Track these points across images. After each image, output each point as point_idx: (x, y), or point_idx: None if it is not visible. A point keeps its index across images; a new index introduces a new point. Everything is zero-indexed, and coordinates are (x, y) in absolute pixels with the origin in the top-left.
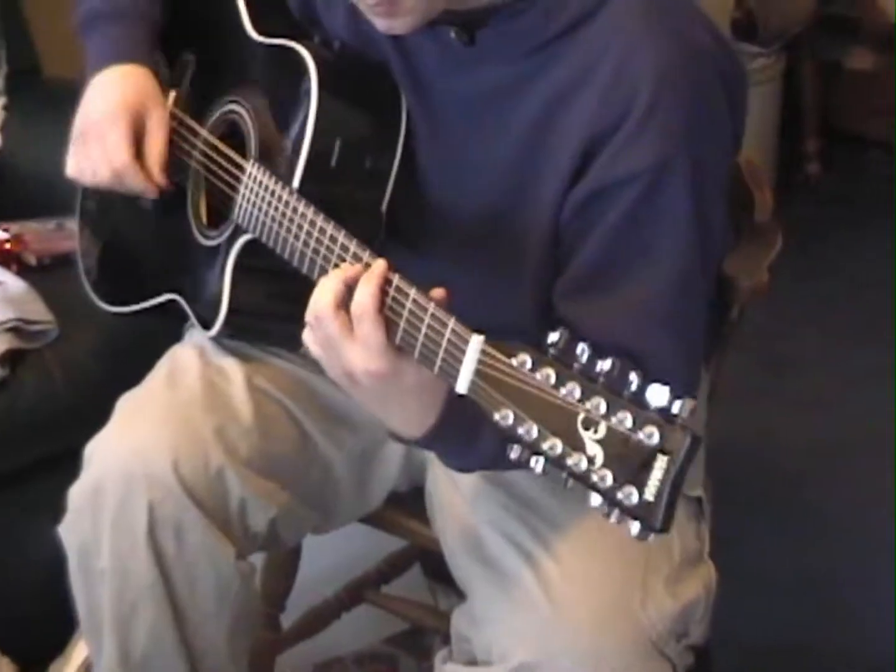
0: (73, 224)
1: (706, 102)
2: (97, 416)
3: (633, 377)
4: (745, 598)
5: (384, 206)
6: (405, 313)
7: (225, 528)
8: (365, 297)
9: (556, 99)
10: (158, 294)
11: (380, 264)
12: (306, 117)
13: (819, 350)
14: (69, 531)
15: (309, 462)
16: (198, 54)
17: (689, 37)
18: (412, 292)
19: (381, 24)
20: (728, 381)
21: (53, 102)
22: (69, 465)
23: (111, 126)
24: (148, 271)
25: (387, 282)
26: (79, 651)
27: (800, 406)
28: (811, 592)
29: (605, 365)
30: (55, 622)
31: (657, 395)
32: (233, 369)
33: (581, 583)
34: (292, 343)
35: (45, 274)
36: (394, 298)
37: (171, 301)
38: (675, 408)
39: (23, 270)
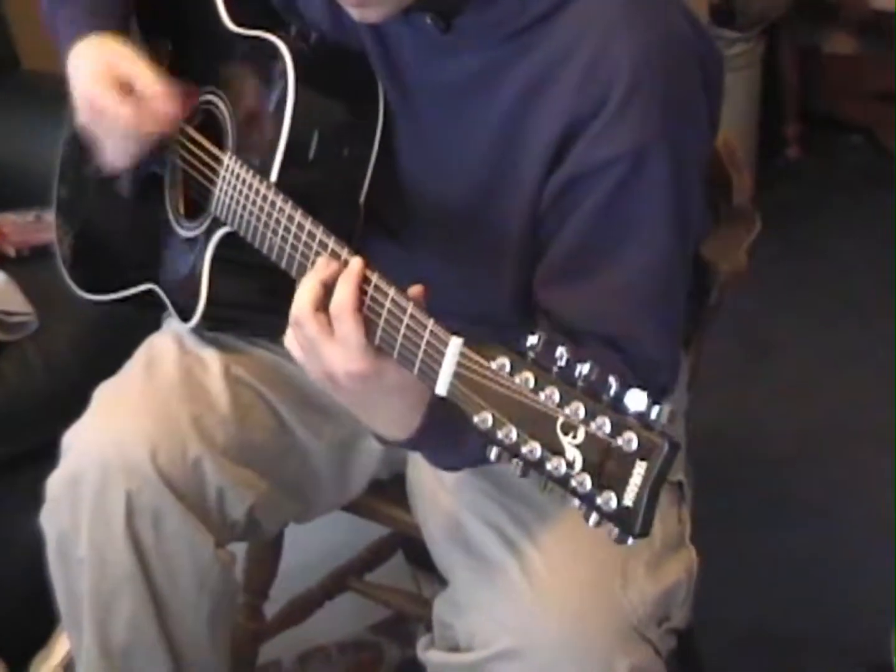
0: (51, 216)
1: (683, 88)
2: (77, 408)
3: (612, 381)
4: (728, 583)
5: (362, 198)
6: (384, 313)
7: (203, 517)
8: (343, 296)
9: (533, 86)
10: (136, 284)
11: (356, 262)
12: (283, 110)
13: (800, 333)
14: (48, 520)
15: (286, 450)
16: (175, 41)
17: (666, 23)
18: (391, 291)
19: (355, 12)
20: (709, 365)
21: (31, 95)
22: (50, 457)
23: (98, 95)
24: (126, 260)
25: (365, 280)
26: (61, 644)
27: (782, 389)
28: (795, 577)
29: (583, 369)
30: (38, 615)
31: (635, 400)
32: (211, 358)
33: (563, 568)
34: (272, 333)
35: (23, 265)
36: (372, 298)
37: (150, 291)
38: (654, 413)
39: (2, 262)
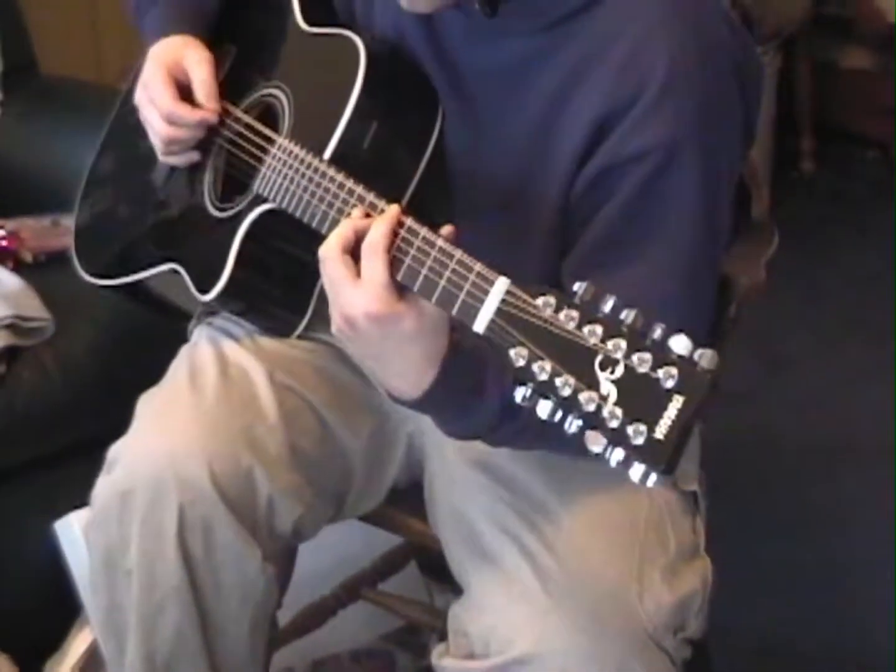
0: (68, 221)
1: (718, 90)
2: (94, 414)
3: (658, 326)
4: (742, 594)
5: (404, 202)
6: (420, 254)
7: (252, 529)
8: (375, 235)
9: (571, 74)
10: (156, 264)
11: (393, 208)
12: (348, 96)
13: (813, 347)
14: (94, 532)
15: (330, 455)
16: (239, 44)
17: (705, 26)
18: (423, 231)
19: (405, 3)
20: (725, 378)
21: (49, 100)
22: (66, 462)
23: (152, 82)
24: (148, 242)
25: (399, 223)
26: (76, 646)
27: (795, 403)
28: (808, 589)
29: (629, 315)
30: (52, 618)
31: (680, 343)
32: (253, 367)
33: (578, 576)
34: (284, 327)
35: (41, 271)
36: (404, 239)
37: (172, 271)
38: (697, 356)
39: (19, 267)
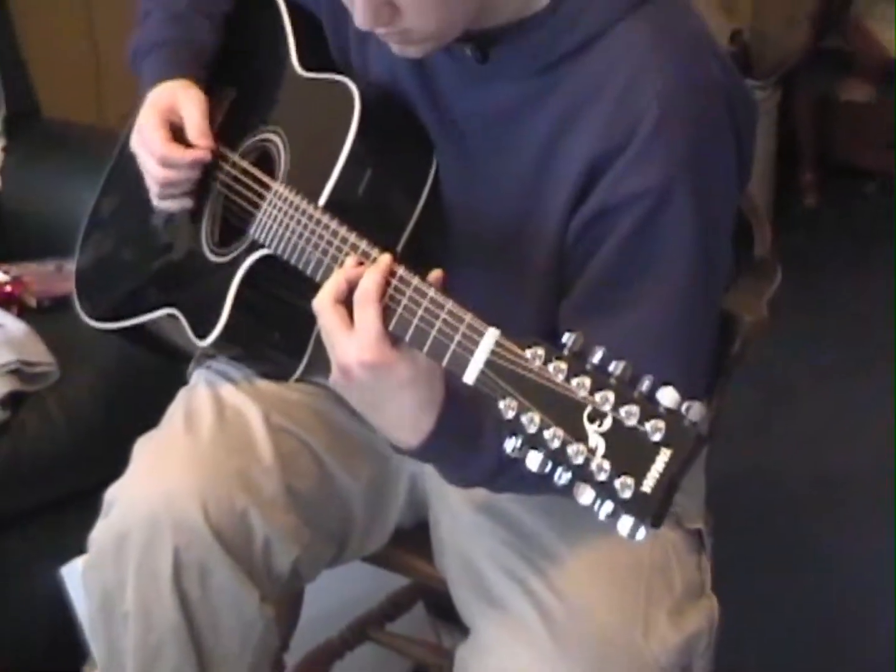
0: (72, 265)
1: (710, 128)
2: (99, 458)
3: (646, 378)
4: (747, 632)
5: (400, 248)
6: (411, 304)
7: (250, 571)
8: (367, 285)
9: (564, 119)
10: (154, 309)
11: (385, 257)
12: (343, 141)
13: (816, 381)
14: (91, 576)
15: (328, 497)
16: (238, 88)
17: (696, 66)
18: (415, 281)
19: (396, 48)
20: (727, 414)
21: (53, 144)
22: (71, 507)
23: (146, 127)
24: (147, 286)
25: (391, 273)
26: None
27: (799, 437)
28: (814, 624)
29: (618, 367)
30: (60, 662)
31: (668, 396)
32: (249, 409)
33: (584, 618)
34: (282, 371)
35: (45, 316)
36: (396, 288)
37: (170, 316)
38: (684, 409)
39: (23, 312)
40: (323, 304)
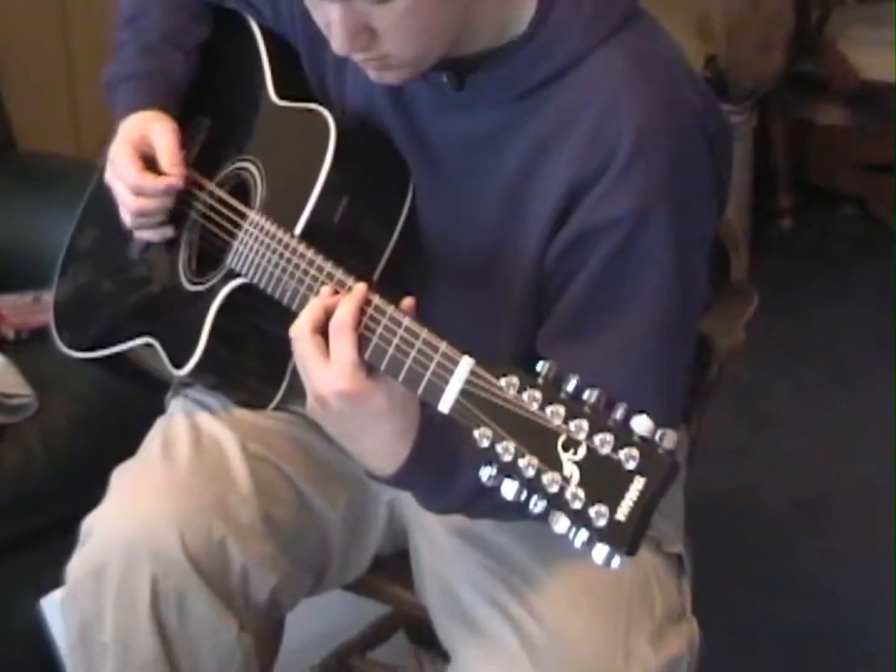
0: (50, 297)
1: (687, 154)
2: (79, 490)
3: (620, 406)
4: (729, 656)
5: (376, 276)
6: (382, 330)
7: (227, 600)
8: (342, 314)
9: (540, 145)
10: (131, 338)
11: (360, 285)
12: (319, 170)
13: (795, 405)
14: (69, 606)
15: (306, 525)
16: (213, 117)
17: (672, 92)
18: (390, 310)
19: (374, 75)
20: (706, 437)
21: (29, 176)
22: (52, 538)
23: (118, 158)
24: (125, 316)
25: (366, 302)
26: None
27: (778, 461)
28: (794, 647)
29: (592, 395)
30: None
31: (642, 424)
32: (226, 437)
33: (564, 642)
34: (259, 400)
35: (22, 347)
36: (371, 317)
37: (147, 345)
38: (658, 436)
39: (0, 344)
40: (299, 333)
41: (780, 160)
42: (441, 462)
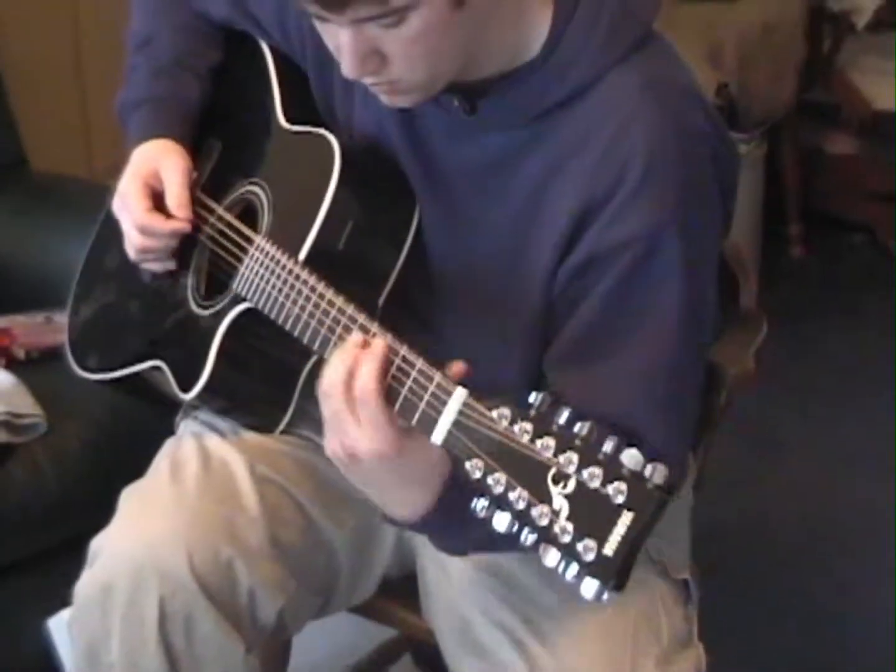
0: (61, 317)
1: (697, 179)
2: (88, 509)
3: (610, 440)
4: None
5: (382, 300)
6: (409, 382)
7: (235, 622)
8: (365, 380)
9: (551, 170)
10: (140, 361)
11: (379, 345)
12: (323, 195)
13: (804, 432)
14: (77, 626)
15: (313, 547)
16: (224, 140)
17: (684, 116)
18: (419, 363)
19: (385, 99)
20: (714, 464)
21: (41, 197)
22: (59, 558)
23: (127, 193)
24: (134, 338)
25: (389, 358)
26: None
27: (787, 489)
28: None
29: (583, 427)
30: None
31: (631, 458)
32: (234, 460)
33: (572, 669)
34: (267, 424)
35: (33, 367)
36: (399, 367)
37: (155, 368)
38: (647, 471)
39: (11, 364)
40: (332, 390)
41: (791, 188)
42: (458, 511)
